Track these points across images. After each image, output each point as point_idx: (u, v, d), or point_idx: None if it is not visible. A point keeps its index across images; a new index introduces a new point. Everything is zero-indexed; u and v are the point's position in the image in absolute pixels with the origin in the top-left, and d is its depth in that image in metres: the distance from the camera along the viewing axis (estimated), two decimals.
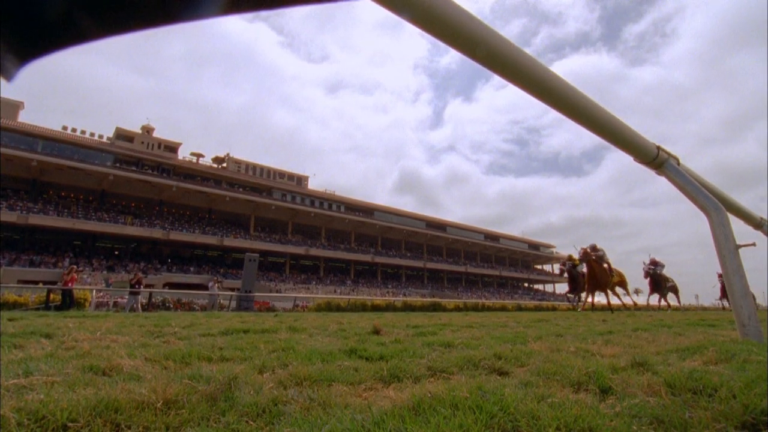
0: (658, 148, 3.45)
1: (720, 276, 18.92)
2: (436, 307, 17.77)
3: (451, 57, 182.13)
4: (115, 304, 16.80)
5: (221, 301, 16.02)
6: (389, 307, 17.18)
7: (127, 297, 14.54)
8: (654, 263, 19.13)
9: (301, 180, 50.35)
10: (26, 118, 36.58)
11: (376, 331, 3.58)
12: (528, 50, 2.19)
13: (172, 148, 40.98)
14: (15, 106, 35.46)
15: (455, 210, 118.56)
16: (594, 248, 17.15)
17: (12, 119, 33.93)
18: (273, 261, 42.87)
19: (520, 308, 21.73)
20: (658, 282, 18.39)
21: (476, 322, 5.38)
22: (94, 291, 14.99)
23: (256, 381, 1.53)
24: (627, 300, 19.13)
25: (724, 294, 19.19)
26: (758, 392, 1.29)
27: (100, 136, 38.64)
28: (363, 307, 15.61)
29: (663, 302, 19.11)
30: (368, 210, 51.46)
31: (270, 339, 2.91)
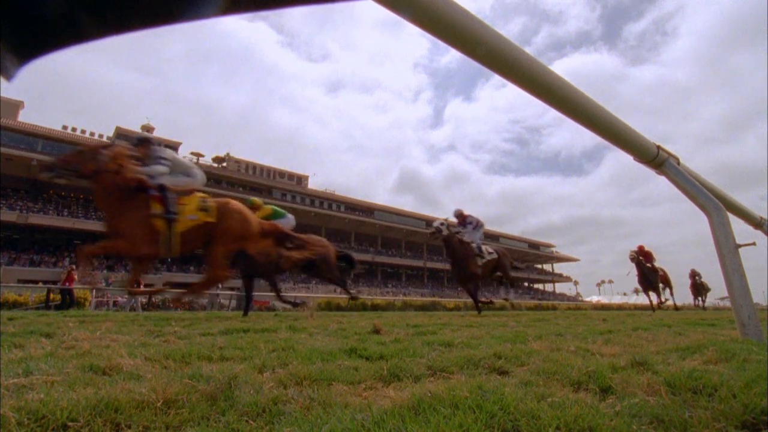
0: (658, 147, 3.44)
1: (633, 259, 13.21)
2: (436, 307, 17.77)
3: (451, 56, 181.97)
4: (115, 303, 16.81)
5: (221, 301, 16.02)
6: (389, 307, 17.18)
7: (126, 296, 14.54)
8: (461, 220, 10.03)
9: (300, 179, 50.35)
10: (26, 117, 36.55)
11: (376, 331, 3.58)
12: (528, 49, 2.19)
13: (172, 147, 40.97)
14: (15, 106, 35.44)
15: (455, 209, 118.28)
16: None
17: (12, 119, 33.89)
18: None
19: (519, 308, 21.71)
20: (463, 257, 9.22)
21: (476, 322, 5.38)
22: (94, 290, 14.99)
23: (256, 380, 1.53)
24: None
25: (642, 282, 13.41)
26: (758, 392, 1.29)
27: (101, 136, 38.61)
28: (363, 307, 15.60)
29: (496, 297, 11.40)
30: (368, 210, 51.42)
31: (270, 338, 2.91)
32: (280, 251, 6.62)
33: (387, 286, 47.84)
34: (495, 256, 10.09)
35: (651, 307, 13.66)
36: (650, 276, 13.43)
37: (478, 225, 10.13)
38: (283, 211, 8.01)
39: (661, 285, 14.18)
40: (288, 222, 7.68)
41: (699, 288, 18.53)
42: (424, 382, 1.63)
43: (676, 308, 14.55)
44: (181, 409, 1.18)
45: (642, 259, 13.46)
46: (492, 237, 63.43)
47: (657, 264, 14.02)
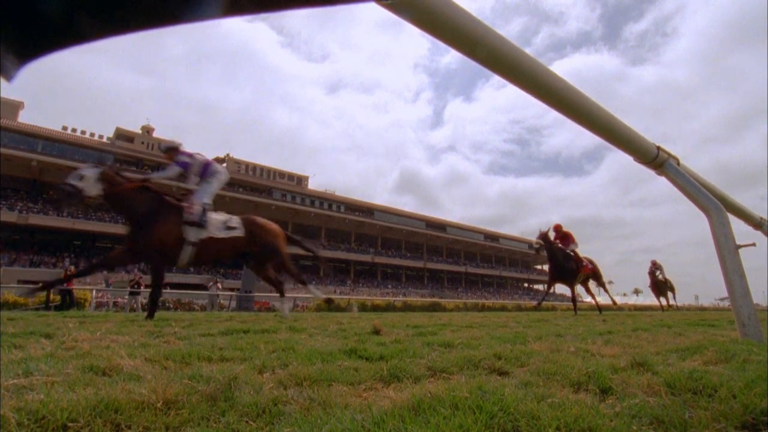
0: (658, 148, 3.45)
1: (539, 245, 9.27)
2: (436, 307, 17.78)
3: (451, 56, 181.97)
4: (115, 304, 16.82)
5: (221, 301, 16.02)
6: (389, 307, 17.20)
7: (126, 297, 14.55)
8: (171, 156, 5.87)
9: (301, 180, 50.37)
10: (26, 118, 36.60)
11: (376, 331, 3.57)
12: (528, 50, 2.19)
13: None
14: (15, 106, 35.46)
15: (455, 210, 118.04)
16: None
17: (12, 119, 33.93)
18: None
19: (519, 308, 21.67)
20: (149, 220, 5.01)
21: (476, 322, 5.38)
22: (94, 291, 15.00)
23: (256, 381, 1.53)
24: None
25: (553, 271, 9.73)
26: (758, 392, 1.29)
27: (100, 136, 38.65)
28: (363, 307, 15.60)
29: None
30: (368, 210, 51.45)
31: (270, 339, 2.91)
32: None
33: (387, 286, 47.84)
34: (239, 233, 5.62)
35: (573, 308, 10.09)
36: (565, 264, 9.43)
37: (208, 170, 5.67)
38: None
39: (591, 282, 10.89)
40: None
41: (660, 285, 15.16)
42: (424, 383, 1.63)
43: (599, 309, 10.81)
44: (181, 409, 1.17)
45: (557, 242, 9.78)
46: (492, 237, 63.40)
47: (585, 255, 10.44)
